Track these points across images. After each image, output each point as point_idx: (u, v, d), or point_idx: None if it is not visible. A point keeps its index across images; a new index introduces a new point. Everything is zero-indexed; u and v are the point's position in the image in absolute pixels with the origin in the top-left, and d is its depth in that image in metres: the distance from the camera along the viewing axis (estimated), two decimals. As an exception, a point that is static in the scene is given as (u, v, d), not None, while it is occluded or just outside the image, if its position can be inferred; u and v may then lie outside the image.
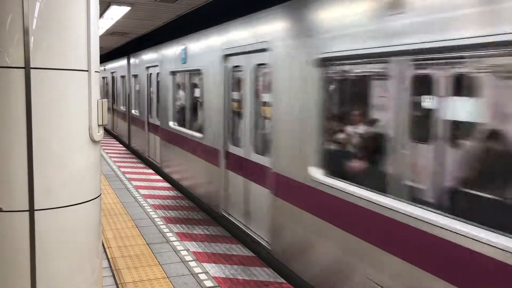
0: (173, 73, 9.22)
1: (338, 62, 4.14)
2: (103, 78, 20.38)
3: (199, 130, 7.60)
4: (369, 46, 3.55)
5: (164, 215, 6.88)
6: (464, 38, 2.76)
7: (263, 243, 5.37)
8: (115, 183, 9.01)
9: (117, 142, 15.85)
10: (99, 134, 3.05)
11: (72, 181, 2.92)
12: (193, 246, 5.61)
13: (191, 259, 5.19)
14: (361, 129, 4.22)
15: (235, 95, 6.35)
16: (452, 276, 2.87)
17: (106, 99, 3.11)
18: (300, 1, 4.59)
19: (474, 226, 2.78)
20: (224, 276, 4.77)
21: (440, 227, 2.92)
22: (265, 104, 5.52)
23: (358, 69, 4.17)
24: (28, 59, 2.71)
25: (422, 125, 3.32)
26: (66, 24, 2.86)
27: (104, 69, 19.70)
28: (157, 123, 10.50)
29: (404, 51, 3.23)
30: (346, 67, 4.21)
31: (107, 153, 13.00)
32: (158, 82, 10.53)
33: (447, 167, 3.27)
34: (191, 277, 4.70)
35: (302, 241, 4.56)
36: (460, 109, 3.16)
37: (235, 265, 5.08)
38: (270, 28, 5.19)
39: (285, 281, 4.68)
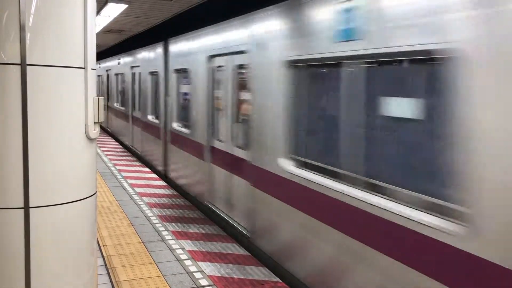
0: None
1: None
2: (117, 75, 15.50)
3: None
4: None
5: (159, 214, 6.88)
6: None
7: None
8: (111, 181, 8.99)
9: (113, 140, 15.81)
10: (95, 132, 3.05)
11: (68, 179, 2.91)
12: (189, 245, 5.60)
13: (187, 257, 5.19)
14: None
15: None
16: None
17: (102, 97, 3.10)
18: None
19: None
20: (219, 275, 4.78)
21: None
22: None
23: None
24: (24, 56, 2.70)
25: None
26: (62, 21, 2.85)
27: (119, 63, 14.85)
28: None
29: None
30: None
31: (103, 151, 12.97)
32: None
33: None
34: (187, 276, 4.70)
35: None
36: None
37: (230, 264, 5.09)
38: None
39: (280, 280, 4.69)
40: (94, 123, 3.03)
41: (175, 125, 8.84)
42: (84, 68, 2.94)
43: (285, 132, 4.79)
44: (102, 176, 9.45)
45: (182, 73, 8.45)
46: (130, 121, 13.08)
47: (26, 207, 2.77)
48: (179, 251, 5.36)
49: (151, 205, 7.32)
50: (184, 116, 8.38)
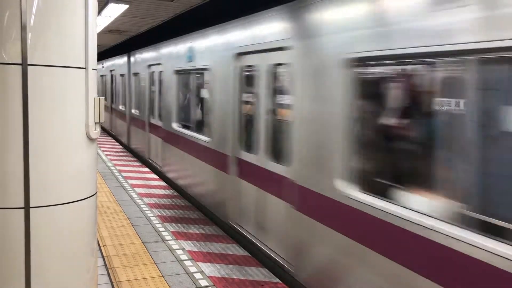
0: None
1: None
2: (183, 73, 8.45)
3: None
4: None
5: (159, 214, 6.87)
6: None
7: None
8: (111, 182, 8.99)
9: (114, 141, 15.78)
10: (95, 132, 3.05)
11: (68, 179, 2.91)
12: (189, 245, 5.60)
13: (187, 258, 5.18)
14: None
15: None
16: None
17: (103, 97, 3.11)
18: None
19: None
20: (219, 275, 4.77)
21: None
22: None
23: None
24: (25, 56, 2.70)
25: None
26: (64, 21, 2.85)
27: (192, 52, 7.68)
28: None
29: None
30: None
31: (103, 151, 12.98)
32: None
33: None
34: (186, 276, 4.70)
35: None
36: None
37: (230, 264, 5.09)
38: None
39: (280, 281, 4.69)
40: (95, 123, 3.04)
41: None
42: (85, 68, 2.94)
43: None
44: (103, 176, 9.45)
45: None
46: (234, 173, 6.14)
47: (27, 207, 2.77)
48: (179, 252, 5.36)
49: (151, 206, 7.32)
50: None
